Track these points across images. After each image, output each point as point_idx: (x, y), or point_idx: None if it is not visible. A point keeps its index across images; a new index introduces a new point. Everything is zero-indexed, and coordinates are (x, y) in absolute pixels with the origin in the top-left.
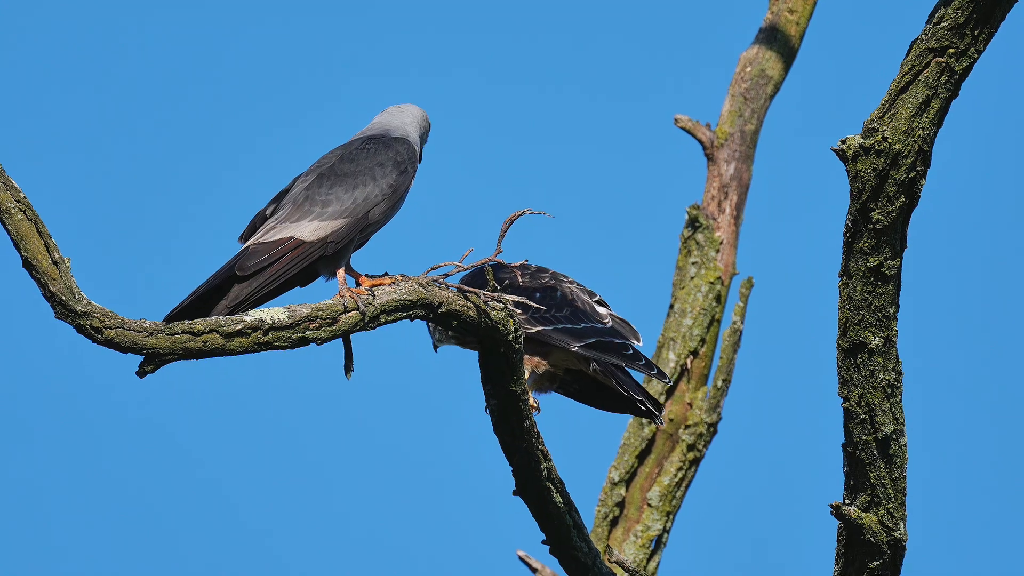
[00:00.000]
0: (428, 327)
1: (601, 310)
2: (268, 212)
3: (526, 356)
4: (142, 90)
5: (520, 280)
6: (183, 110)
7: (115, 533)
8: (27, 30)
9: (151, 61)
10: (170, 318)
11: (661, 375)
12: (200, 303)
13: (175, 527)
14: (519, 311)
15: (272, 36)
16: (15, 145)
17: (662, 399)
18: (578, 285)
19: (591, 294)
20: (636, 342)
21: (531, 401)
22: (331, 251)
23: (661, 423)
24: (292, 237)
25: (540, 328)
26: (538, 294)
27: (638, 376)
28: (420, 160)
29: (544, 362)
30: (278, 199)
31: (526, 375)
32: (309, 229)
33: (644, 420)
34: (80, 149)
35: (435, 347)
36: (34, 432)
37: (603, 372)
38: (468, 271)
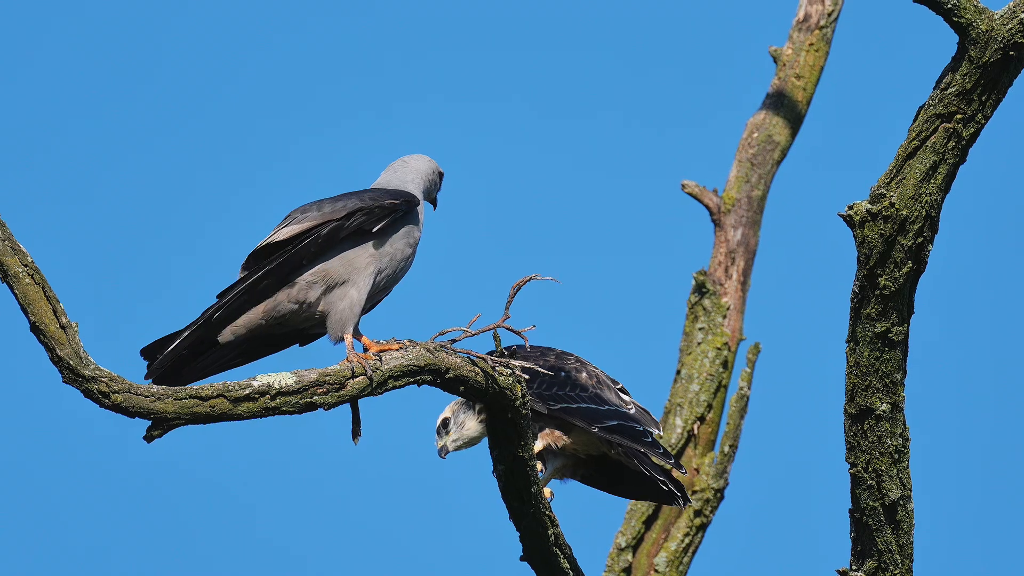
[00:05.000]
0: (437, 430)
1: (624, 398)
2: None
3: (548, 430)
4: (149, 136)
5: (527, 346)
6: (187, 158)
7: (137, 555)
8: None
9: (144, 107)
10: (151, 347)
11: (678, 466)
12: (186, 344)
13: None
14: (529, 380)
15: (276, 64)
16: (13, 192)
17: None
18: (602, 372)
19: (614, 382)
20: (656, 430)
21: (538, 466)
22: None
23: (684, 504)
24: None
25: (563, 406)
26: (563, 372)
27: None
28: (435, 208)
29: (564, 436)
30: None
31: (539, 445)
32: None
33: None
34: (79, 192)
35: (441, 454)
36: (44, 482)
37: (626, 454)
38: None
